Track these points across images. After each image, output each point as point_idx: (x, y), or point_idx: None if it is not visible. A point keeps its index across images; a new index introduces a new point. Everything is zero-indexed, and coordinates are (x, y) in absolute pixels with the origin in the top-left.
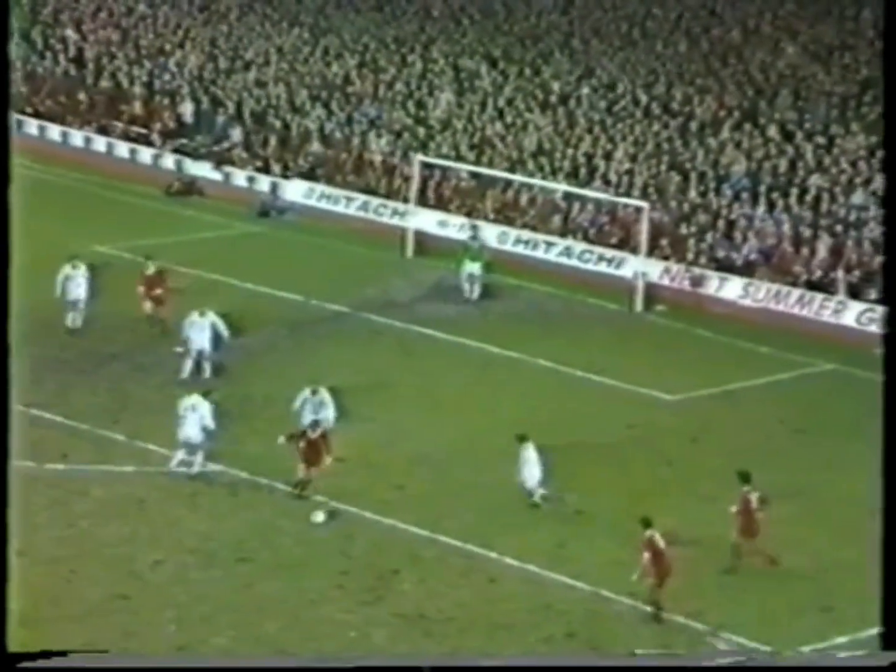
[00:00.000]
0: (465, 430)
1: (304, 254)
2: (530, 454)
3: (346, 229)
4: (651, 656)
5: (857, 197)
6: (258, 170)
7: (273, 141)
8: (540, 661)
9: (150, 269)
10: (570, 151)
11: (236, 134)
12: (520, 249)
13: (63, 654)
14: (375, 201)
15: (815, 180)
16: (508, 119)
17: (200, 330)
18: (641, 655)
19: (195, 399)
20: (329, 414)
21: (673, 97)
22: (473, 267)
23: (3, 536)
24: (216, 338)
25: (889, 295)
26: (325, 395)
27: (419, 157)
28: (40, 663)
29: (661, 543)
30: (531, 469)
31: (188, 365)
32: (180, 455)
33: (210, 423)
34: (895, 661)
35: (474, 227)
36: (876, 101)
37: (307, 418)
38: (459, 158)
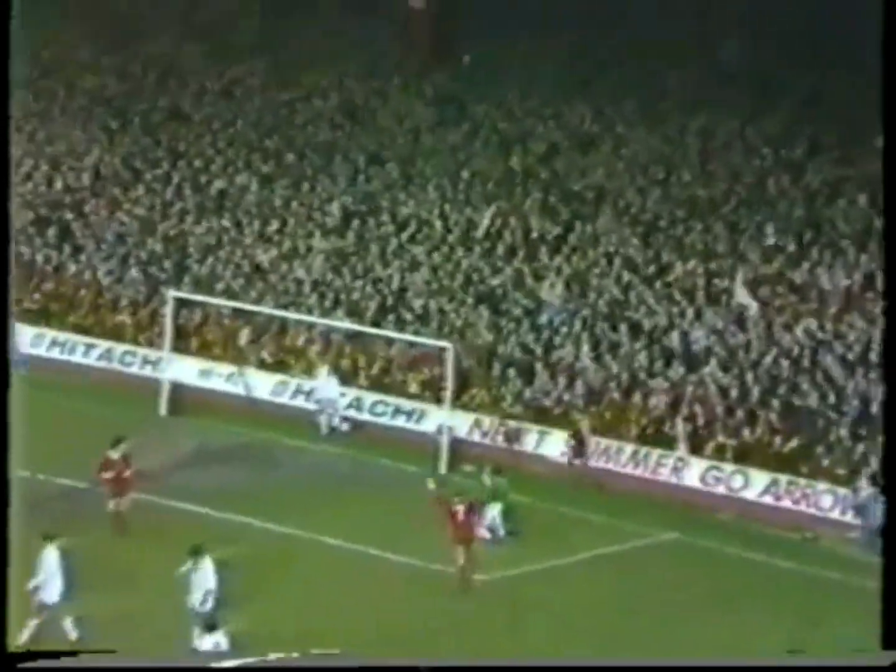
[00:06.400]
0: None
1: (27, 416)
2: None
3: (85, 384)
4: (650, 657)
5: (696, 330)
6: None
7: None
8: (540, 661)
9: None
10: (356, 283)
11: None
12: (299, 402)
13: (64, 654)
14: (120, 348)
15: (644, 313)
16: (283, 246)
17: None
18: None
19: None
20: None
21: (473, 223)
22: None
23: (3, 537)
24: None
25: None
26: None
27: (172, 293)
28: (41, 663)
29: None
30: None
31: None
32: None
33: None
34: (895, 661)
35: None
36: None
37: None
38: (223, 293)
